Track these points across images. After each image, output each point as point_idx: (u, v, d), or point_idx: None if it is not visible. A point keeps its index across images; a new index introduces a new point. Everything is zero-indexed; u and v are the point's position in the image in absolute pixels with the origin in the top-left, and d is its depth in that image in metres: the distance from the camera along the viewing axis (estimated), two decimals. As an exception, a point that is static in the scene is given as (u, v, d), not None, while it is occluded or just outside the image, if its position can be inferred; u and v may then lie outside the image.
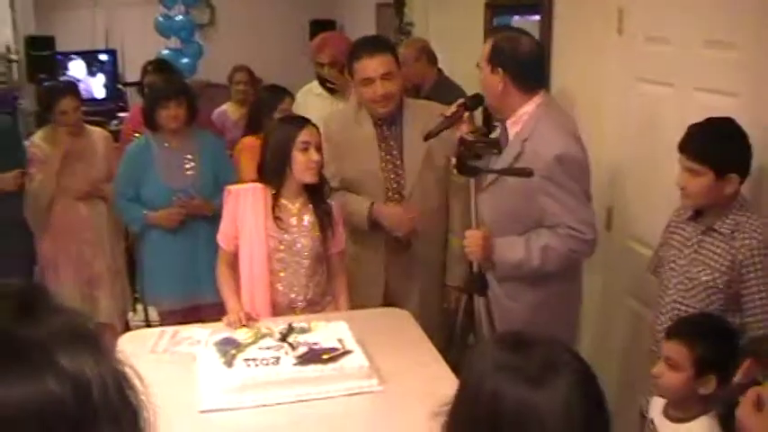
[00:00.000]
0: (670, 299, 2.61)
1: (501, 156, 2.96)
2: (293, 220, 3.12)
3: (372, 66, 3.39)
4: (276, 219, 3.08)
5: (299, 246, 3.12)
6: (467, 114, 3.09)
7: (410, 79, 4.51)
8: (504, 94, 2.94)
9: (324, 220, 3.14)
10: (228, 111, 5.66)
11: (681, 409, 2.28)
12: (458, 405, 1.29)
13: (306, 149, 3.03)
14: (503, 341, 1.34)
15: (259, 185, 3.14)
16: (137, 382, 0.89)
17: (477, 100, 3.12)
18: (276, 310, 3.13)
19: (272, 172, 3.10)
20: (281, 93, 4.43)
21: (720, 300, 2.47)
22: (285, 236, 3.11)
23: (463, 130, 3.04)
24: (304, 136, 3.04)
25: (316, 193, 3.15)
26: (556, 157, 2.80)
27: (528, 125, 2.91)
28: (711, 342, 2.22)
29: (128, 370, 0.89)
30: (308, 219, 3.14)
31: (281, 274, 3.14)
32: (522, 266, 2.91)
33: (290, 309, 3.15)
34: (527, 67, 2.93)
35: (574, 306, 3.15)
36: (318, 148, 3.07)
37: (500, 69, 2.91)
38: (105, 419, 0.83)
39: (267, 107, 4.30)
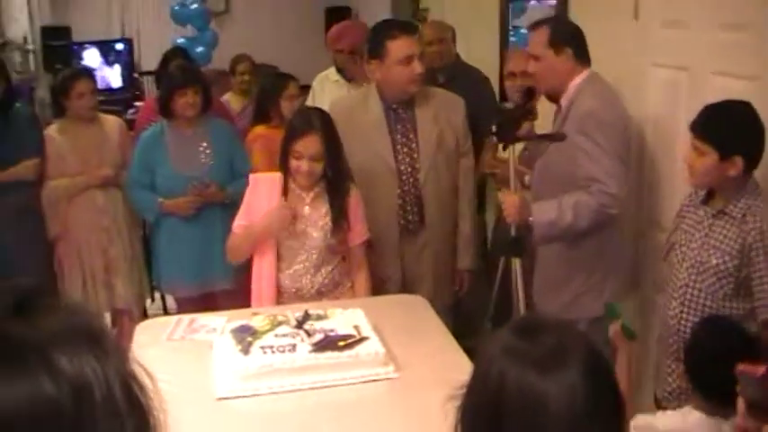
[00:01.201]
0: (681, 282, 2.60)
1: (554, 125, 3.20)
2: (306, 210, 3.13)
3: (410, 43, 3.38)
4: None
5: (308, 236, 3.12)
6: (533, 104, 3.32)
7: (435, 61, 4.32)
8: (570, 72, 3.09)
9: (337, 212, 3.13)
10: (230, 101, 5.52)
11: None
12: (469, 389, 1.30)
13: (298, 158, 3.04)
14: (516, 326, 1.34)
15: (280, 174, 3.14)
16: (146, 380, 0.85)
17: (530, 92, 3.27)
18: (283, 298, 3.15)
19: (282, 164, 3.12)
20: (284, 79, 4.40)
21: (731, 284, 2.45)
22: (296, 225, 3.11)
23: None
24: (299, 146, 3.03)
25: (332, 185, 3.14)
26: (585, 112, 2.98)
27: (575, 94, 3.07)
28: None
29: (137, 368, 0.84)
30: (320, 210, 3.14)
31: (290, 263, 3.14)
32: (556, 224, 2.97)
33: (297, 297, 3.14)
34: (583, 41, 3.13)
35: (613, 270, 3.17)
36: (315, 158, 3.03)
37: (567, 48, 3.08)
38: (108, 423, 0.79)
39: (271, 95, 4.28)
